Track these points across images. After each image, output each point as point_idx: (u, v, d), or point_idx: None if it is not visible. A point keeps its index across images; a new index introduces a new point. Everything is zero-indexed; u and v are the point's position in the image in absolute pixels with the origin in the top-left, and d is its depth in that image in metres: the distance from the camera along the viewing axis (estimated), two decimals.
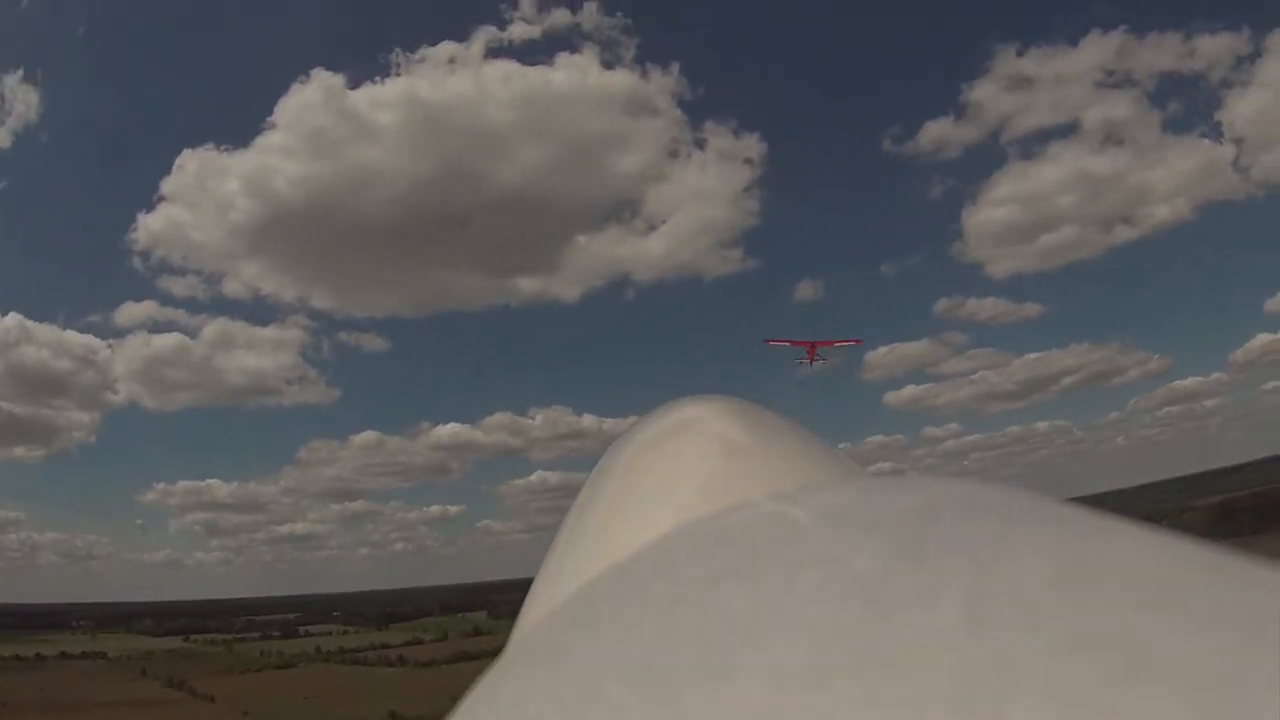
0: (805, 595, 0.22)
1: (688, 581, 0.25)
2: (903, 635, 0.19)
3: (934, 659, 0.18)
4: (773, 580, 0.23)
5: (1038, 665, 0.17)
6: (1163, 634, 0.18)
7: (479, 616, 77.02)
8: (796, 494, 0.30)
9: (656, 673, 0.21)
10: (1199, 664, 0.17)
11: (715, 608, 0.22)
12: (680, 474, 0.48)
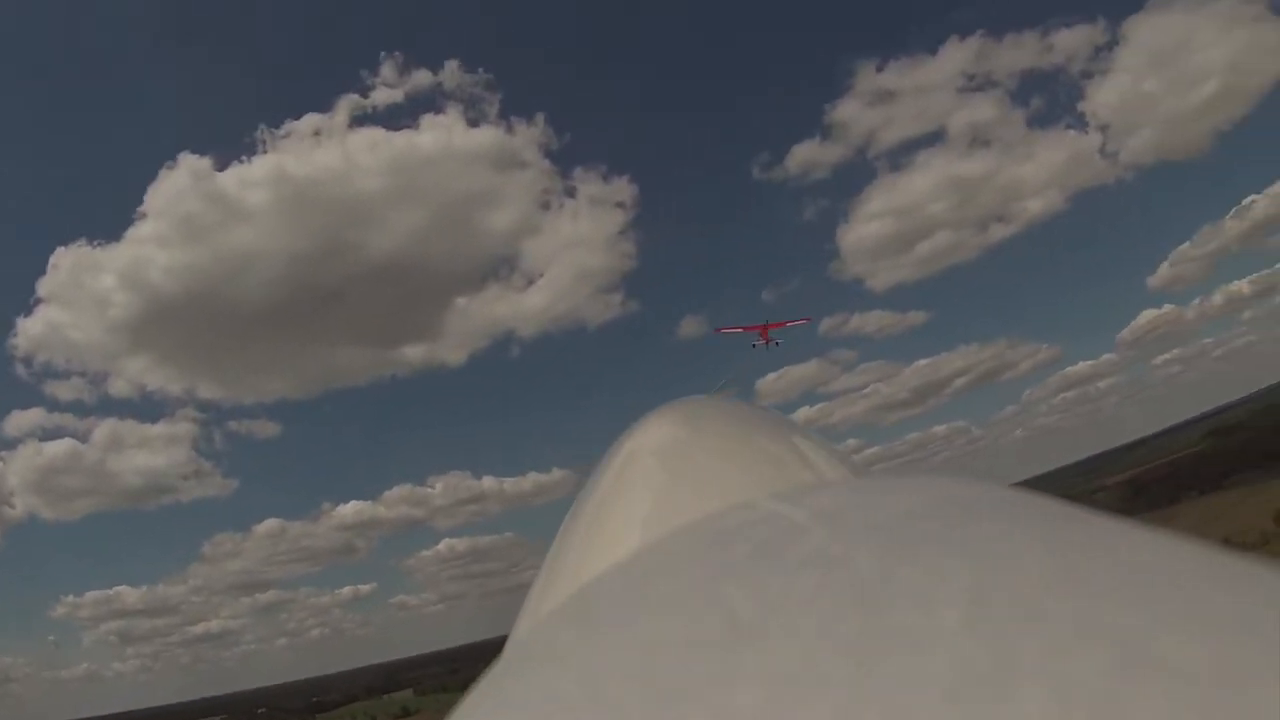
0: (804, 595, 0.22)
1: (687, 582, 0.25)
2: (902, 635, 0.19)
3: (933, 659, 0.18)
4: (772, 580, 0.23)
5: (1037, 664, 0.18)
6: (1162, 633, 0.18)
7: (405, 695, 76.09)
8: (795, 494, 0.30)
9: (656, 673, 0.21)
10: (1198, 662, 0.17)
11: (715, 608, 0.23)
12: (677, 474, 0.49)
